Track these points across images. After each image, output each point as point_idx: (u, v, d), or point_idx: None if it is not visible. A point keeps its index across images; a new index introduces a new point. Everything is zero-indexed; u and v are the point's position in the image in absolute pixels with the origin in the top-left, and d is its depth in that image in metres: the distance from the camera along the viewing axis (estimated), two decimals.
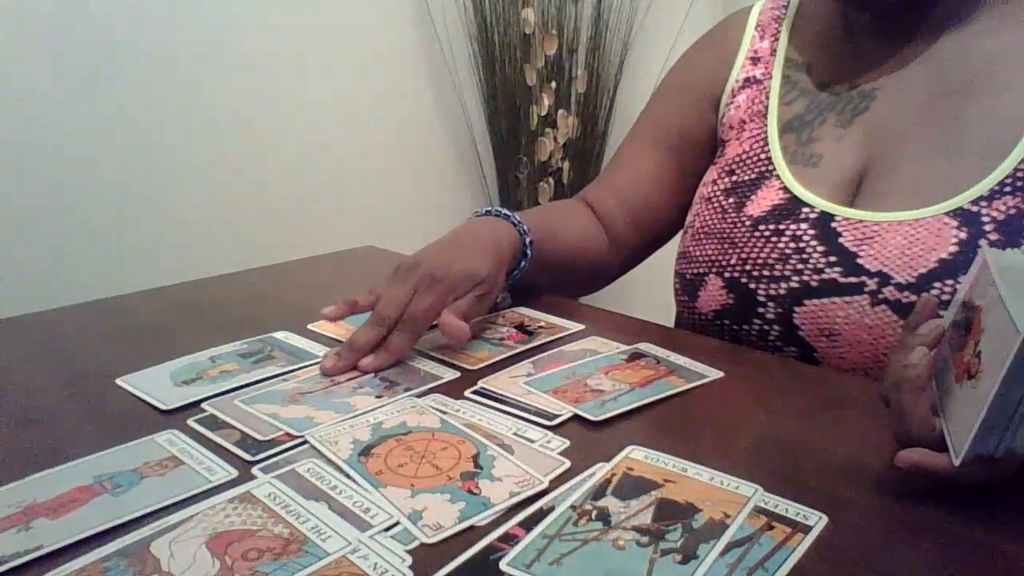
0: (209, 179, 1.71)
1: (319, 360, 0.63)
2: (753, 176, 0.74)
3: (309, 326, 0.71)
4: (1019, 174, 0.61)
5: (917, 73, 0.69)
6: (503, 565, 0.38)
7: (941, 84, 0.67)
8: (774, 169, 0.73)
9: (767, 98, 0.77)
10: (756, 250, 0.70)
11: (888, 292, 0.62)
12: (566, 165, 2.06)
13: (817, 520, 0.42)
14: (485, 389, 0.58)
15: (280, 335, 0.69)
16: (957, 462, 0.40)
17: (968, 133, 0.64)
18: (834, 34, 0.75)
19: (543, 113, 2.00)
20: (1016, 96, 0.64)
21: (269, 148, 1.80)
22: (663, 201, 0.86)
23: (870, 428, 0.53)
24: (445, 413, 0.54)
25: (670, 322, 0.82)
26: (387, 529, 0.41)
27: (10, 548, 0.40)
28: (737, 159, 0.76)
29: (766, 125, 0.75)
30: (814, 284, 0.66)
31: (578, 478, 0.45)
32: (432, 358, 0.64)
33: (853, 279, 0.64)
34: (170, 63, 1.61)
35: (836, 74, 0.74)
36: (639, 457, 0.48)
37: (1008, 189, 0.61)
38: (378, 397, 0.57)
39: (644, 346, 0.66)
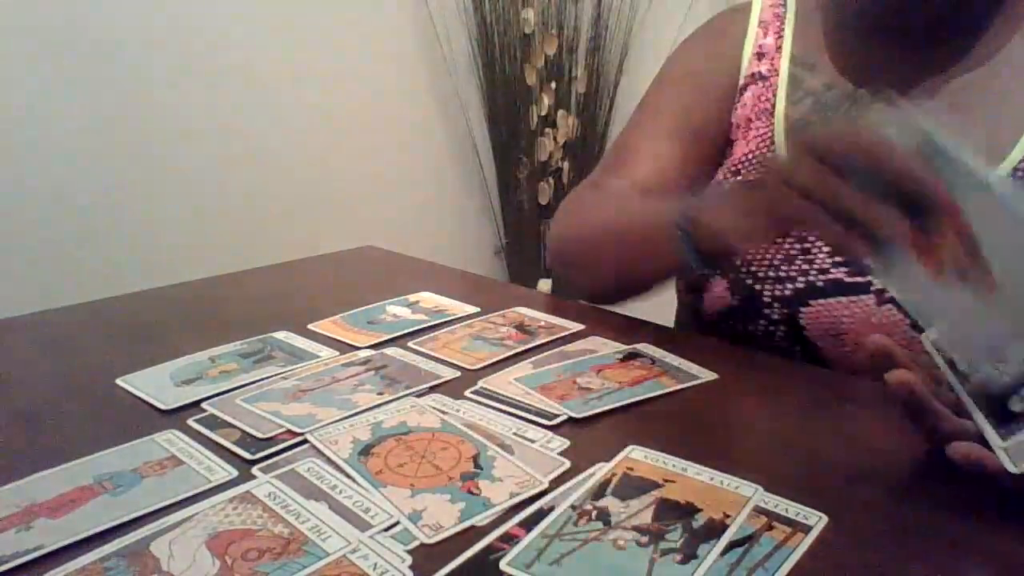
0: (209, 179, 1.71)
1: (319, 359, 0.64)
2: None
3: (309, 326, 0.71)
4: (1019, 173, 0.62)
5: (917, 77, 0.69)
6: (503, 565, 0.38)
7: (940, 87, 0.67)
8: None
9: (773, 96, 0.76)
10: (761, 251, 0.70)
11: None
12: (566, 165, 2.06)
13: (817, 520, 0.42)
14: (485, 389, 0.58)
15: (280, 335, 0.69)
16: (1018, 470, 0.39)
17: (968, 135, 0.64)
18: (838, 34, 0.74)
19: (543, 113, 2.00)
20: (1013, 98, 0.64)
21: (269, 148, 1.80)
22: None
23: (870, 428, 0.53)
24: (445, 413, 0.54)
25: (671, 321, 0.82)
26: (387, 529, 0.41)
27: (10, 548, 0.40)
28: (743, 159, 0.75)
29: (773, 125, 0.74)
30: (820, 284, 0.66)
31: (578, 478, 0.45)
32: (432, 358, 0.64)
33: (859, 278, 0.64)
34: (171, 63, 1.61)
35: (841, 75, 0.73)
36: (639, 457, 0.48)
37: None
38: (379, 394, 0.57)
39: (642, 346, 0.66)
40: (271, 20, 1.74)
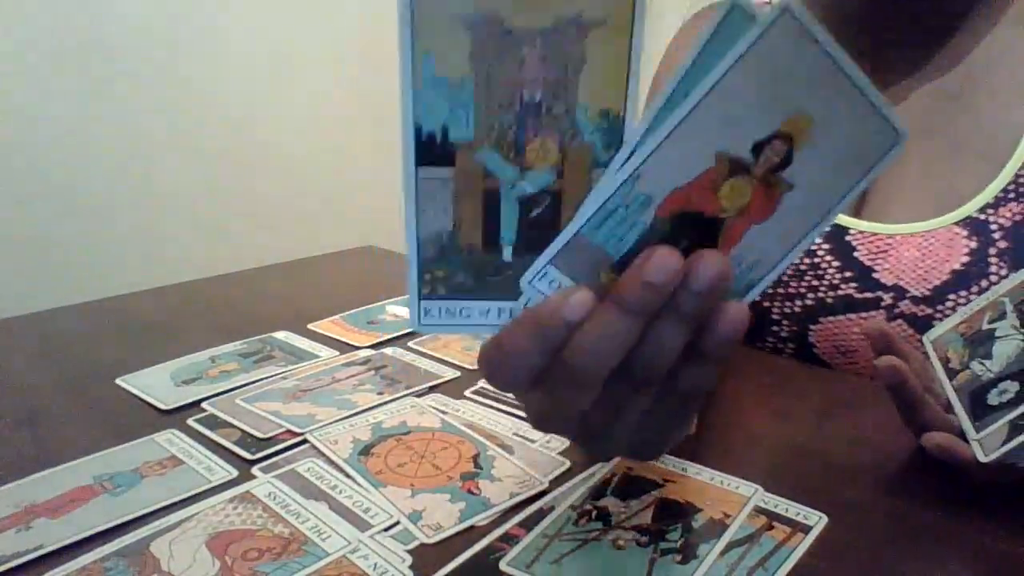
0: (209, 179, 1.71)
1: (319, 359, 0.63)
2: None
3: (309, 326, 0.71)
4: (1021, 179, 0.61)
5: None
6: (503, 565, 0.38)
7: (937, 88, 0.67)
8: None
9: None
10: None
11: (904, 306, 0.62)
12: None
13: (817, 520, 0.42)
14: (485, 389, 0.58)
15: (280, 335, 0.69)
16: (987, 459, 0.40)
17: (966, 139, 0.64)
18: (837, 34, 0.74)
19: None
20: (1010, 99, 0.63)
21: (269, 148, 1.80)
22: None
23: (870, 428, 0.53)
24: (445, 413, 0.54)
25: None
26: (387, 529, 0.41)
27: (10, 548, 0.40)
28: None
29: None
30: (829, 301, 0.65)
31: (578, 478, 0.45)
32: (432, 358, 0.64)
33: (869, 294, 0.63)
34: (170, 63, 1.61)
35: None
36: None
37: (1012, 195, 0.60)
38: (379, 394, 0.57)
39: None
40: (270, 20, 1.74)
